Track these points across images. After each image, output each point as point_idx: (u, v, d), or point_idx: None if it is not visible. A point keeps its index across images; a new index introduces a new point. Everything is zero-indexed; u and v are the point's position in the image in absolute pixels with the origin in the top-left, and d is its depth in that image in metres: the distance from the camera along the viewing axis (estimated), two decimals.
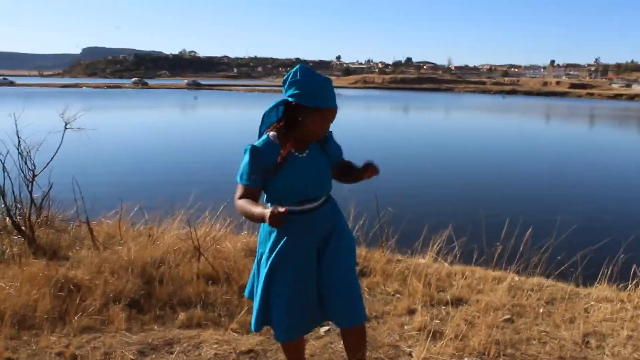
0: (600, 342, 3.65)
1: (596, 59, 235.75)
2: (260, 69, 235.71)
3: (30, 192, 5.64)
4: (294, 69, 2.44)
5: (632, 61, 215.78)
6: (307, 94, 2.40)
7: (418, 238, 5.65)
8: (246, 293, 2.80)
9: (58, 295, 4.13)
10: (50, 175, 5.84)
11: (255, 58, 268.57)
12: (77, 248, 5.41)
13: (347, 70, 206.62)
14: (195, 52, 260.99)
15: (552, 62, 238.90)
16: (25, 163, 5.46)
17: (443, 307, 4.21)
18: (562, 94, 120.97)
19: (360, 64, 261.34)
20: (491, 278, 4.98)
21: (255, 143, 2.50)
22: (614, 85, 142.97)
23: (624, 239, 5.44)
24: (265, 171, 2.45)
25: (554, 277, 5.13)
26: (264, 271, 2.55)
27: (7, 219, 5.65)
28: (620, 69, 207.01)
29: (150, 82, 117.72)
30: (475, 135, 34.23)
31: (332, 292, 2.55)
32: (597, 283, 4.95)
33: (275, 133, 2.52)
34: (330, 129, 2.60)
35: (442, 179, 17.51)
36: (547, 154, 25.71)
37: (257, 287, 2.61)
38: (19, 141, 5.41)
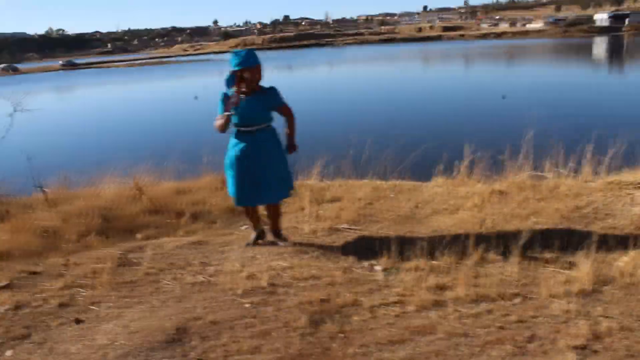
0: (424, 206, 5.62)
1: (465, 1, 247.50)
2: (136, 41, 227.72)
3: None
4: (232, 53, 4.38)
5: (497, 1, 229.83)
6: (231, 65, 4.31)
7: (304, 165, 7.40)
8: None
9: (42, 236, 5.53)
10: None
11: (130, 31, 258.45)
12: (30, 211, 6.66)
13: (226, 34, 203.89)
14: (63, 30, 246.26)
15: (425, 7, 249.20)
16: None
17: (325, 204, 6.00)
18: (436, 38, 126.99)
19: (239, 26, 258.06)
20: (360, 184, 6.85)
21: (225, 92, 4.41)
22: (483, 26, 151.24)
23: (454, 144, 7.50)
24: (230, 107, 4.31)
25: (407, 178, 7.09)
26: (227, 166, 4.49)
27: None
28: (488, 8, 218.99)
29: (20, 66, 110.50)
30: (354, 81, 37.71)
31: (266, 185, 4.47)
32: (435, 177, 6.92)
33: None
34: (271, 85, 4.48)
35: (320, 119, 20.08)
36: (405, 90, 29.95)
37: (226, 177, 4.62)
38: None
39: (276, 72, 55.50)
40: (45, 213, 6.26)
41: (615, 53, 54.69)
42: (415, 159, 7.53)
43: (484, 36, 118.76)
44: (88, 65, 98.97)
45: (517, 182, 5.68)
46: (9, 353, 3.35)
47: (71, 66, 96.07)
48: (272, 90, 4.48)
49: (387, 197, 6.13)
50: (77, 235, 5.55)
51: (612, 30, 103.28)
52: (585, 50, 59.75)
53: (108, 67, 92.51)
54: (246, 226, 5.49)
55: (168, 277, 4.25)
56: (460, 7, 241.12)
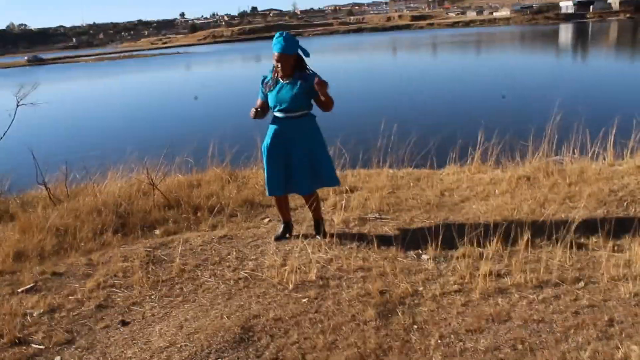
0: (450, 193, 5.56)
1: None
2: (101, 35, 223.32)
3: None
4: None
5: None
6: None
7: None
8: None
9: (55, 235, 5.30)
10: None
11: (95, 25, 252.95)
12: (31, 210, 6.40)
13: (194, 27, 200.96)
14: (25, 25, 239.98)
15: None
16: None
17: (345, 194, 5.88)
18: (406, 27, 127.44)
19: (206, 18, 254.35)
20: (373, 173, 6.75)
21: (265, 75, 4.40)
22: (450, 14, 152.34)
23: (463, 132, 7.46)
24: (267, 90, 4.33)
25: (417, 166, 7.01)
26: (263, 154, 4.34)
27: None
28: None
29: None
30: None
31: (297, 174, 4.31)
32: (447, 165, 6.86)
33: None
34: (313, 71, 4.28)
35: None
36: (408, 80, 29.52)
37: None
38: None
39: (246, 62, 55.15)
40: (55, 211, 6.03)
41: (582, 39, 55.91)
42: (423, 148, 7.45)
43: (453, 24, 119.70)
44: (55, 60, 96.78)
45: (542, 168, 5.65)
46: (57, 359, 3.18)
47: (38, 61, 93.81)
48: (312, 77, 4.19)
49: (407, 185, 6.04)
50: (92, 233, 5.34)
51: (577, 17, 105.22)
52: (553, 37, 60.77)
53: (77, 61, 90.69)
54: (269, 219, 5.36)
55: (206, 273, 4.10)
56: None
